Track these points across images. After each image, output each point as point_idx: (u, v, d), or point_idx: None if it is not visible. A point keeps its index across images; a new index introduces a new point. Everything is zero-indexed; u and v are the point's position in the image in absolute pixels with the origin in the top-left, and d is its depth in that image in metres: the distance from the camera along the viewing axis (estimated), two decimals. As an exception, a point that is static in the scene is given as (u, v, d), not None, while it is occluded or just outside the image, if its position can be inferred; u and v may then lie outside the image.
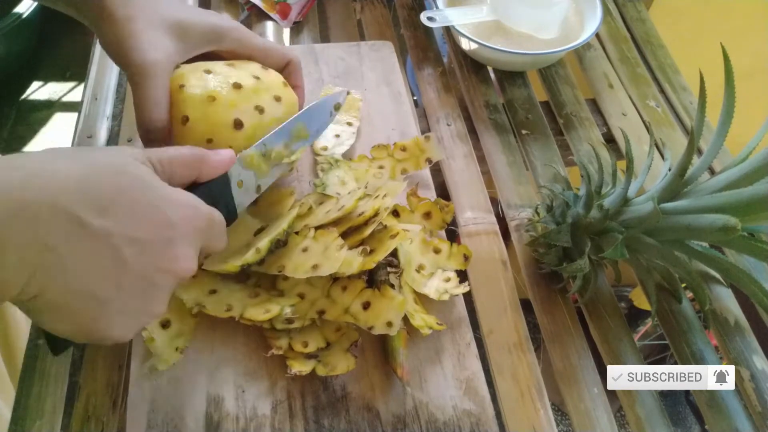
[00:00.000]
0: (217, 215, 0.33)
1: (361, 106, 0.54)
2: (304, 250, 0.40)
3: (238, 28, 0.42)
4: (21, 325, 0.59)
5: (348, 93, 0.43)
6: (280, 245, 0.40)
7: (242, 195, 0.38)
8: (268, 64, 0.43)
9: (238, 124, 0.39)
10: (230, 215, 0.37)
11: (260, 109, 0.40)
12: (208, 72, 0.39)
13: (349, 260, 0.38)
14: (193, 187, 0.34)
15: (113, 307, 0.28)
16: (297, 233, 0.42)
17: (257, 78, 0.40)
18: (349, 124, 0.53)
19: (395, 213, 0.47)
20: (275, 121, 0.41)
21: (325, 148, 0.50)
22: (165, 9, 0.39)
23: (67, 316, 0.27)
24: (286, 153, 0.41)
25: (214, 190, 0.35)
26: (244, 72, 0.40)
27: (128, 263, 0.28)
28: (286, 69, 0.45)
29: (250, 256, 0.39)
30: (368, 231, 0.41)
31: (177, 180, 0.32)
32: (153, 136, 0.38)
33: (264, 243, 0.39)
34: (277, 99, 0.41)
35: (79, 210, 0.26)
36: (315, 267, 0.39)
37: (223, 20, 0.41)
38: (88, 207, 0.26)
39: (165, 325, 0.40)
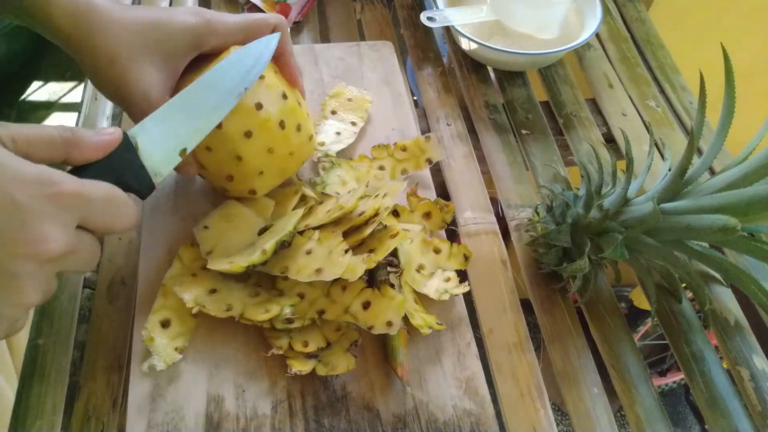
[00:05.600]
0: (102, 189, 0.31)
1: (369, 108, 0.54)
2: (308, 252, 0.40)
3: (210, 22, 0.39)
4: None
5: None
6: (285, 246, 0.40)
7: (160, 164, 0.35)
8: (254, 39, 0.41)
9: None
10: (143, 186, 0.35)
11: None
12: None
13: (352, 267, 0.38)
14: (86, 165, 0.32)
15: None
16: (300, 233, 0.42)
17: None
18: (354, 123, 0.53)
19: (395, 213, 0.46)
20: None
21: (323, 144, 0.50)
22: (140, 36, 0.37)
23: None
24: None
25: (114, 164, 0.33)
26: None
27: None
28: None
29: (256, 258, 0.38)
30: (368, 231, 0.41)
31: (37, 160, 0.29)
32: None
33: (270, 244, 0.39)
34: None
35: None
36: (318, 271, 0.38)
37: (196, 19, 0.39)
38: None
39: (165, 324, 0.40)
